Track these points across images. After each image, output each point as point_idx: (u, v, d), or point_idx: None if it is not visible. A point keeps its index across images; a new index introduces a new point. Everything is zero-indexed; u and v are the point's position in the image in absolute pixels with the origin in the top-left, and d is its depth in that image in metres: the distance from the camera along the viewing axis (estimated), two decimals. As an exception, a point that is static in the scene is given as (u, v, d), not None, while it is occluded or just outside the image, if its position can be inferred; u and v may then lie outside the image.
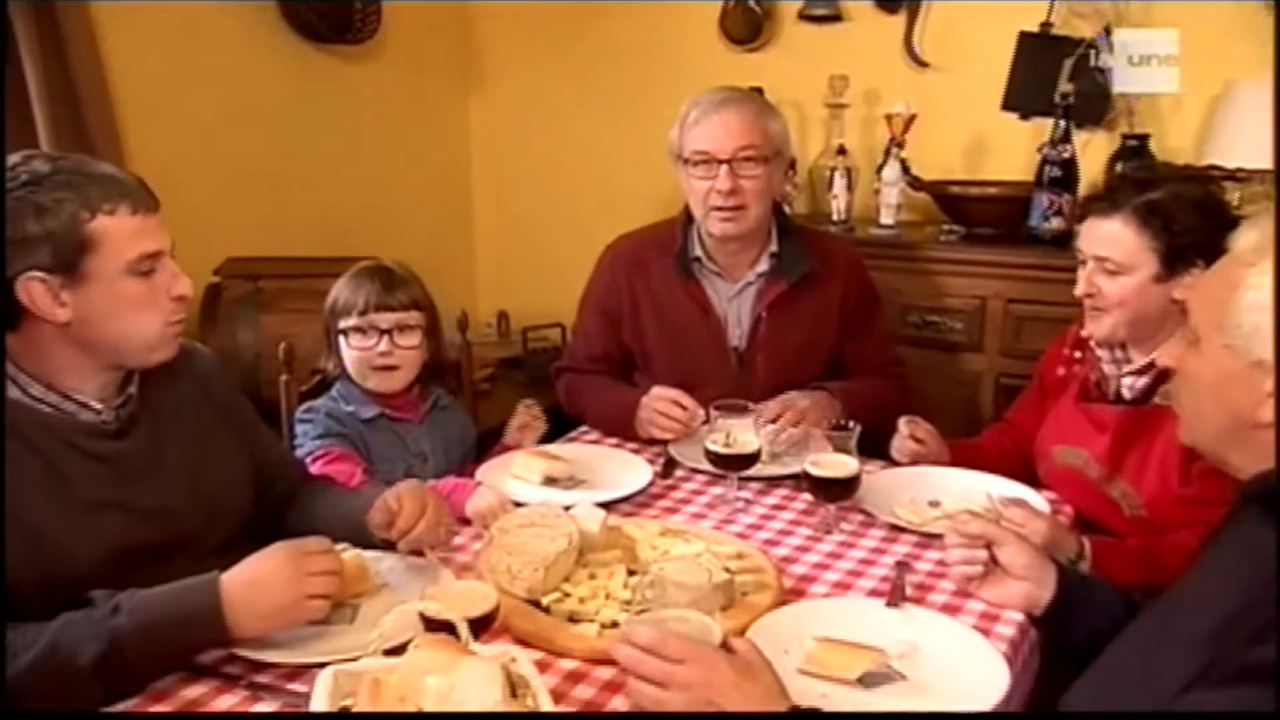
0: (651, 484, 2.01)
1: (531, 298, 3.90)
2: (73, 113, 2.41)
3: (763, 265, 2.39)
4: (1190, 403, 1.29)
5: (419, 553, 1.62)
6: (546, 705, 1.15)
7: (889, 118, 3.15)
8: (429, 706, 1.09)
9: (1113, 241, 1.92)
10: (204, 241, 1.54)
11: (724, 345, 2.40)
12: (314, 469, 1.96)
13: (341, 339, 2.08)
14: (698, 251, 2.40)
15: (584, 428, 2.38)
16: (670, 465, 2.12)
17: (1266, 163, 2.75)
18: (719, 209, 2.29)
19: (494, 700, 1.11)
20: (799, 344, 2.39)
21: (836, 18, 3.37)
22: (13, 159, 1.46)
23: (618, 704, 1.32)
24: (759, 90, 3.28)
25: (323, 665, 1.32)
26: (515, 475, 2.00)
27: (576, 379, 2.50)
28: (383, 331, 2.07)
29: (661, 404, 2.19)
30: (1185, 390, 1.29)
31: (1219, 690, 1.06)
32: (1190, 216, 1.89)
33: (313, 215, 3.40)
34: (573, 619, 1.51)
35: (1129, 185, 1.98)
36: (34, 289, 1.42)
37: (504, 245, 4.17)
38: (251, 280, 2.83)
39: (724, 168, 2.26)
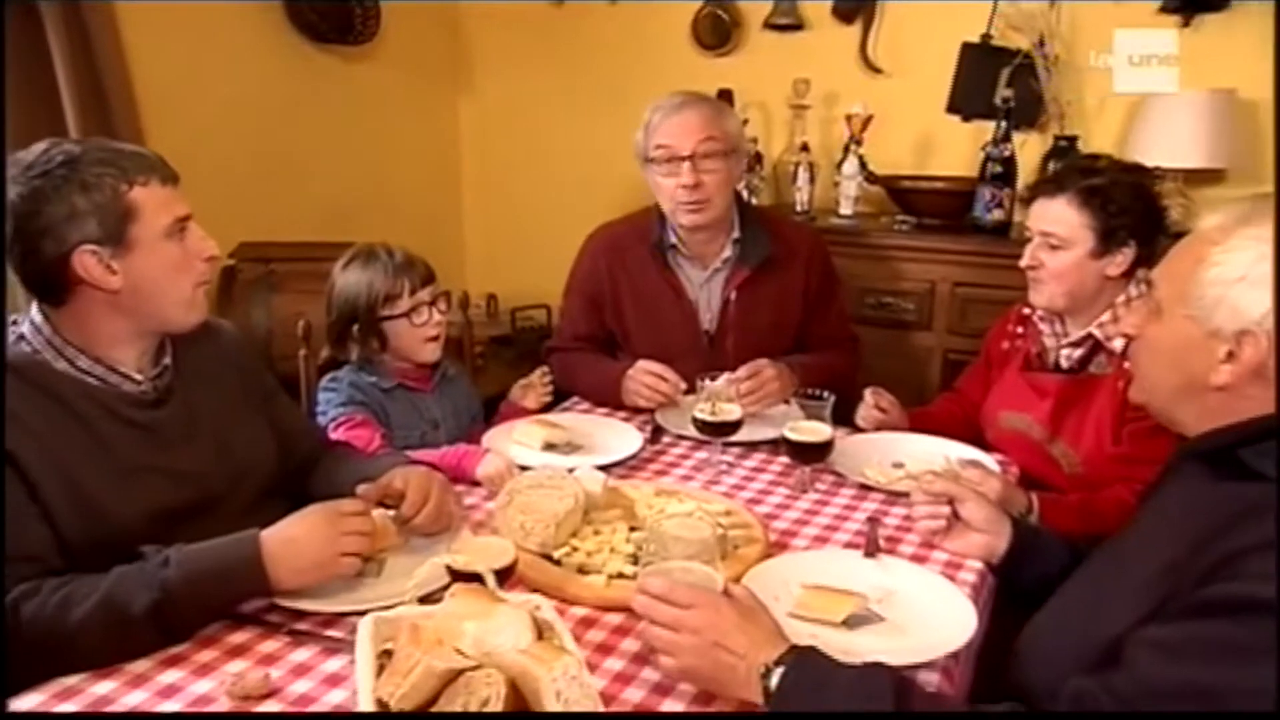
0: (642, 449, 2.01)
1: (518, 281, 3.87)
2: (99, 106, 2.37)
3: (727, 252, 2.39)
4: (1148, 366, 1.30)
5: None
6: (570, 646, 1.15)
7: (848, 118, 3.15)
8: (467, 648, 1.09)
9: (1056, 219, 1.95)
10: (218, 227, 1.52)
11: (696, 326, 2.40)
12: (337, 434, 1.93)
13: (386, 325, 2.03)
14: (672, 240, 2.39)
15: (576, 399, 2.37)
16: (658, 432, 2.11)
17: (1179, 163, 2.81)
18: (685, 203, 2.28)
19: (526, 641, 1.12)
20: (766, 323, 2.39)
21: (798, 26, 3.36)
22: (40, 145, 1.43)
23: (627, 646, 1.33)
24: (728, 92, 3.30)
25: (355, 613, 1.33)
26: (518, 442, 1.99)
27: (565, 357, 2.49)
28: (429, 305, 2.05)
29: (647, 377, 2.19)
30: (1144, 355, 1.30)
31: (1173, 624, 1.07)
32: (1126, 201, 1.93)
33: (316, 202, 3.35)
34: (582, 571, 1.51)
35: (1075, 170, 2.01)
36: (88, 260, 1.40)
37: (491, 232, 4.14)
38: (264, 263, 2.79)
39: (687, 164, 2.25)
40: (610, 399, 2.28)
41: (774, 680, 1.14)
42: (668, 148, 2.28)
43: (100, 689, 1.23)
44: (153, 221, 1.44)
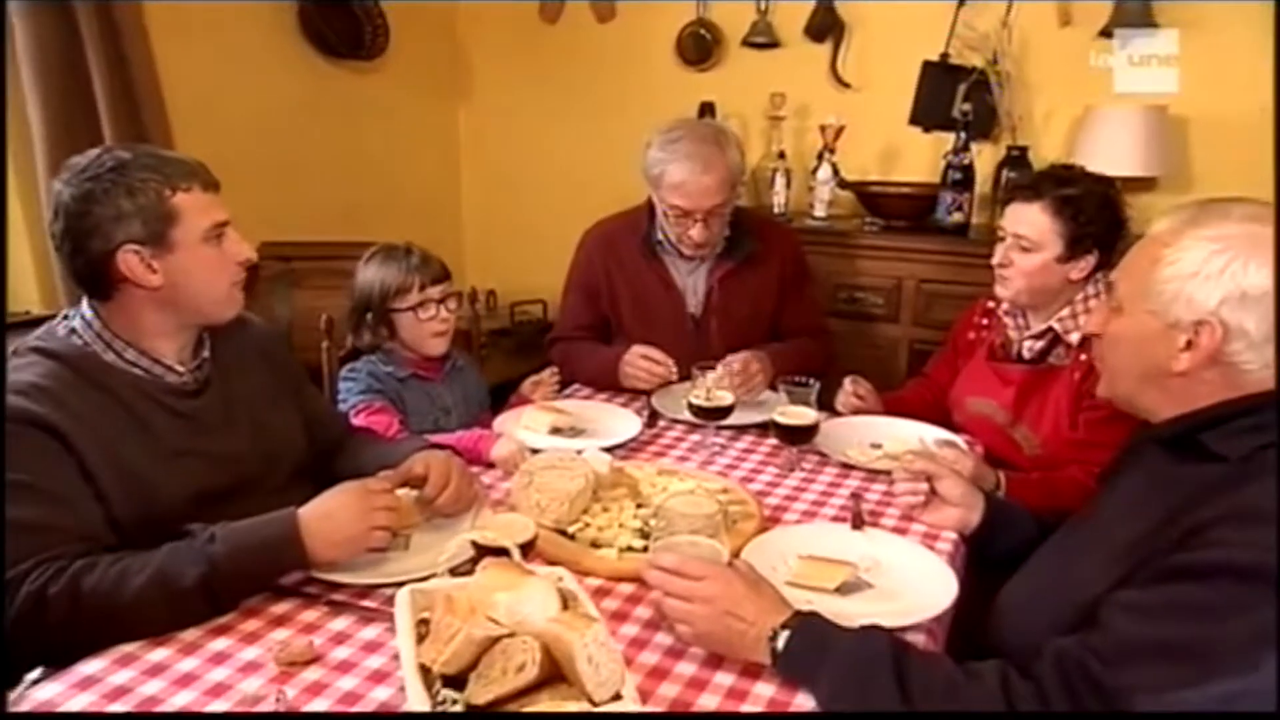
0: (641, 433, 1.99)
1: (515, 277, 3.85)
2: (131, 113, 2.34)
3: (718, 249, 2.38)
4: (1113, 359, 1.30)
5: None
6: (593, 612, 1.15)
7: (822, 128, 3.15)
8: (500, 617, 1.08)
9: (1030, 223, 1.94)
10: (242, 227, 1.51)
11: (683, 313, 2.40)
12: (358, 420, 1.91)
13: (395, 316, 2.02)
14: (660, 236, 2.39)
15: (576, 386, 2.35)
16: (654, 417, 2.10)
17: (1117, 171, 2.77)
18: (692, 245, 2.31)
19: (554, 610, 1.11)
20: (746, 312, 2.39)
21: (774, 45, 3.35)
22: (94, 151, 1.43)
23: (640, 614, 1.33)
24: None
25: (387, 585, 1.34)
26: (526, 426, 1.97)
27: (566, 346, 2.47)
28: (438, 302, 2.03)
29: (642, 361, 2.19)
30: (1109, 349, 1.30)
31: (1146, 589, 1.09)
32: (1094, 211, 1.92)
33: (330, 204, 3.32)
34: (594, 545, 1.50)
35: (1050, 179, 1.99)
36: (130, 259, 1.40)
37: (489, 232, 4.10)
38: (284, 261, 2.75)
39: (699, 224, 2.26)
40: (611, 382, 2.26)
41: (780, 643, 1.15)
42: (681, 207, 2.25)
43: (155, 656, 1.21)
44: (193, 225, 1.43)
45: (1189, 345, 1.17)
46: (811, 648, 1.14)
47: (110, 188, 1.38)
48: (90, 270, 1.41)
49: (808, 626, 1.16)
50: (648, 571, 1.26)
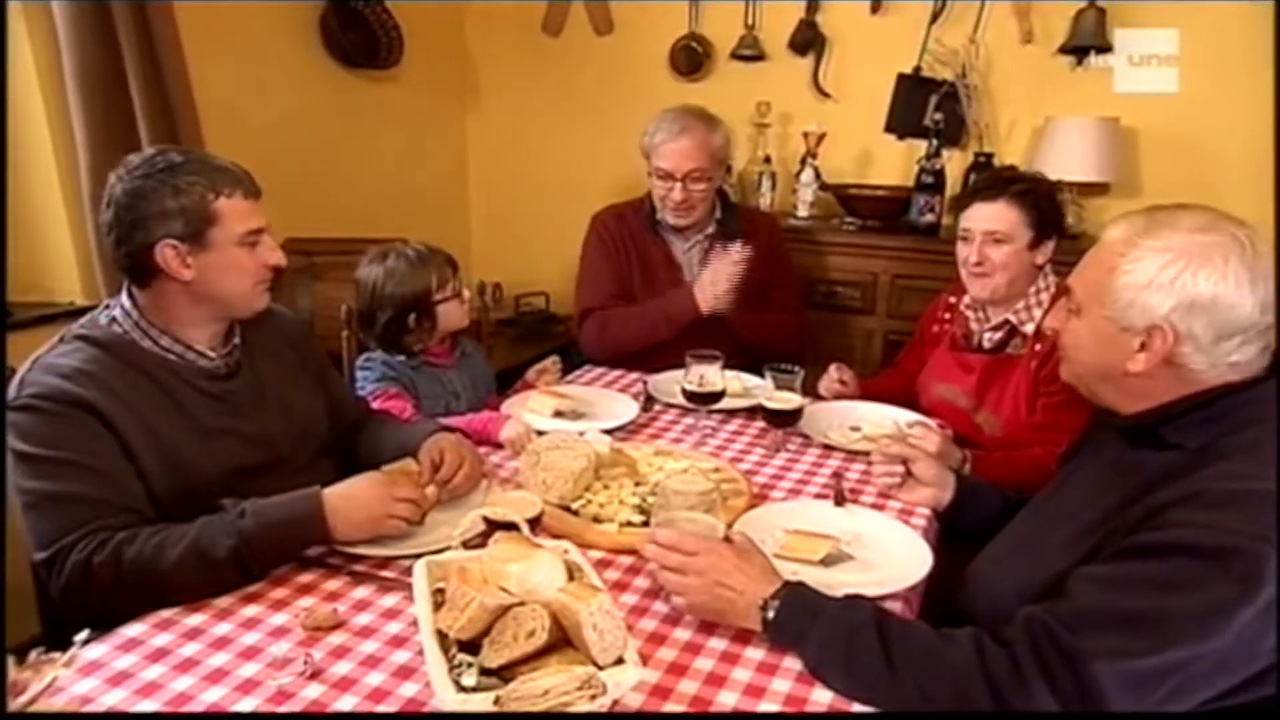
0: (638, 416, 1.99)
1: (519, 271, 3.81)
2: (166, 118, 2.31)
3: (710, 229, 2.49)
4: (1074, 354, 1.30)
5: None
6: (597, 582, 1.15)
7: (805, 135, 3.13)
8: (511, 587, 1.08)
9: (999, 218, 1.96)
10: (269, 223, 1.53)
11: (683, 284, 2.42)
12: (375, 404, 1.90)
13: (441, 308, 2.01)
14: (659, 216, 2.48)
15: (578, 372, 2.34)
16: (650, 401, 2.09)
17: (1073, 176, 2.82)
18: (673, 209, 2.42)
19: (562, 580, 1.10)
20: (737, 284, 2.35)
21: (760, 58, 3.31)
22: (150, 150, 1.45)
23: (639, 584, 1.33)
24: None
25: (404, 557, 1.34)
26: (531, 410, 1.96)
27: (602, 315, 2.46)
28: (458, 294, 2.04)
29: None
30: (1070, 347, 1.30)
31: (1108, 564, 1.10)
32: (1046, 202, 1.97)
33: (347, 203, 3.27)
34: (596, 520, 1.50)
35: (1003, 179, 2.02)
36: (168, 253, 1.40)
37: (494, 229, 4.07)
38: (306, 255, 2.71)
39: (678, 184, 2.38)
40: (657, 332, 2.33)
41: (770, 612, 1.15)
42: (663, 169, 2.38)
43: (192, 620, 1.21)
44: (230, 229, 1.44)
45: (1143, 347, 1.17)
46: (799, 616, 1.15)
47: (159, 186, 1.39)
48: (131, 259, 1.41)
49: (795, 596, 1.16)
50: (646, 547, 1.26)
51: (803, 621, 1.14)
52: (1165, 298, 1.13)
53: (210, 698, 1.06)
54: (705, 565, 1.20)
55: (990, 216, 1.96)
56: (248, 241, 1.46)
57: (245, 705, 1.05)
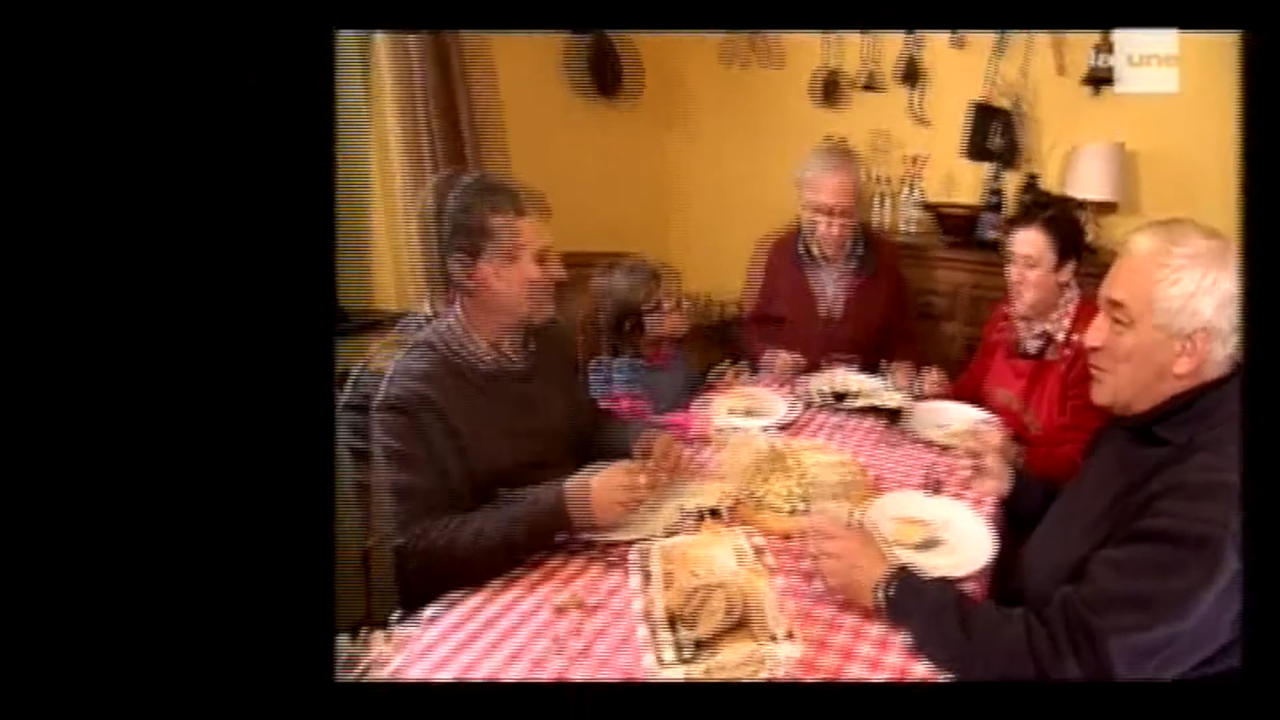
0: (800, 414, 2.16)
1: (714, 279, 3.86)
2: (474, 145, 2.48)
3: (852, 263, 2.62)
4: (1114, 368, 1.29)
5: None
6: (771, 563, 1.27)
7: (915, 159, 3.37)
8: (714, 570, 1.21)
9: (1030, 243, 2.08)
10: None
11: (814, 314, 2.63)
12: (622, 405, 2.09)
13: (650, 317, 2.21)
14: (802, 248, 2.63)
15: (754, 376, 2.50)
16: (803, 401, 2.24)
17: (1092, 196, 2.93)
18: (830, 242, 2.55)
19: (749, 562, 1.24)
20: (866, 313, 2.61)
21: (878, 88, 3.49)
22: (477, 173, 1.56)
23: (800, 566, 1.43)
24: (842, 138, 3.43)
25: (625, 542, 1.43)
26: (722, 409, 2.12)
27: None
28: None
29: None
30: (1115, 362, 1.28)
31: (1120, 547, 1.15)
32: (1068, 225, 2.10)
33: (568, 220, 3.07)
34: (765, 507, 1.59)
35: (1034, 207, 2.19)
36: (485, 269, 1.49)
37: (698, 245, 4.16)
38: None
39: (828, 218, 2.50)
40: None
41: (889, 592, 1.26)
42: (815, 201, 2.51)
43: (472, 602, 1.34)
44: (532, 245, 1.50)
45: (1184, 350, 1.20)
46: (909, 597, 1.24)
47: (475, 203, 1.46)
48: (440, 269, 1.50)
49: (904, 581, 1.27)
50: (806, 532, 1.39)
51: (910, 602, 1.23)
52: (1210, 300, 1.16)
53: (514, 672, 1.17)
54: (841, 549, 1.30)
55: (1024, 241, 2.08)
56: (541, 258, 1.52)
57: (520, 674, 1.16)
